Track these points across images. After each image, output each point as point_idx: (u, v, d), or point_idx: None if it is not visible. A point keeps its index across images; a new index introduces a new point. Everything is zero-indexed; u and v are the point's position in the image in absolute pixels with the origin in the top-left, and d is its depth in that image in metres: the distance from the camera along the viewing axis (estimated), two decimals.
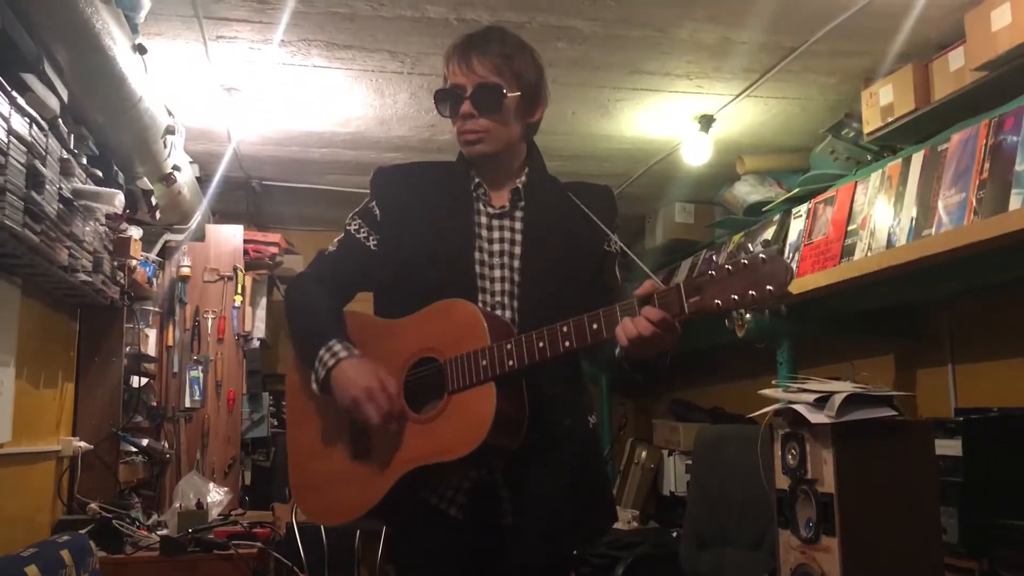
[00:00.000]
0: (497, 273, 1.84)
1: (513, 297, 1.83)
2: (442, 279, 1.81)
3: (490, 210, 1.89)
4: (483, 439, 1.66)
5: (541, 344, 1.66)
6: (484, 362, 1.69)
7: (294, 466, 1.96)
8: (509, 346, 1.68)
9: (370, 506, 1.79)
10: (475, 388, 1.70)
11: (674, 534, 3.84)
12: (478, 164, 1.90)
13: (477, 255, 1.84)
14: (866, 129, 3.14)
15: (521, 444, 1.73)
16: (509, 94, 1.82)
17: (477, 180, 1.90)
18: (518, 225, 1.88)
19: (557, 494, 1.82)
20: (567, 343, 1.65)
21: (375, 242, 1.92)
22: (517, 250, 1.86)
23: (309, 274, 1.98)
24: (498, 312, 1.81)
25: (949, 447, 2.46)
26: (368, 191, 1.97)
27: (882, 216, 2.89)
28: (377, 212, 1.92)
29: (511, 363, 1.67)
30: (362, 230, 1.93)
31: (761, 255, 1.49)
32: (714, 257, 1.56)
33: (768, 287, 1.49)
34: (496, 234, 1.87)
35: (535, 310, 1.78)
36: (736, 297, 1.50)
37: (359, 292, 1.98)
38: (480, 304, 1.80)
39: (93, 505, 3.17)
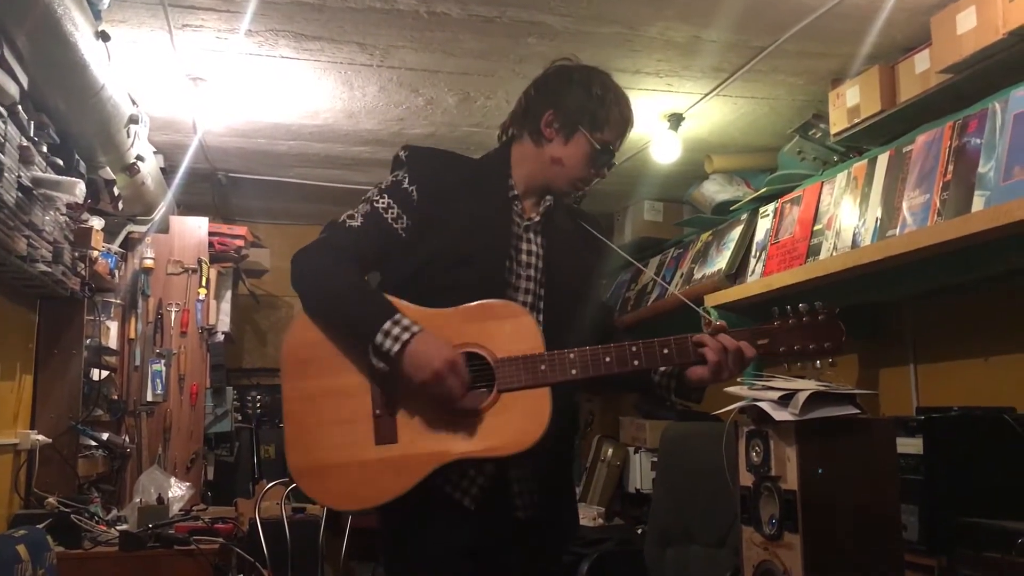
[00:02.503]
0: (523, 284, 1.87)
1: (536, 310, 1.87)
2: (472, 280, 1.80)
3: (522, 221, 1.92)
4: (537, 440, 1.71)
5: (608, 359, 1.74)
6: (543, 367, 1.73)
7: (298, 446, 1.80)
8: (572, 355, 1.74)
9: (401, 492, 1.74)
10: (531, 390, 1.73)
11: (639, 531, 3.86)
12: (521, 177, 1.95)
13: (507, 263, 1.86)
14: (833, 130, 3.16)
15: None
16: None
17: (516, 191, 1.93)
18: (542, 240, 1.93)
19: (566, 490, 1.97)
20: (636, 362, 1.75)
21: (403, 225, 1.84)
22: (541, 264, 1.90)
23: (329, 243, 1.84)
24: None
25: (910, 445, 2.48)
26: (396, 168, 1.90)
27: (847, 216, 2.92)
28: (415, 195, 1.84)
29: (574, 372, 1.74)
30: (392, 209, 1.84)
31: (820, 315, 1.81)
32: (777, 311, 1.84)
33: (826, 343, 1.81)
34: (525, 245, 1.90)
35: (556, 324, 1.83)
36: (798, 347, 1.81)
37: (369, 272, 1.91)
38: None
39: (51, 499, 3.12)
